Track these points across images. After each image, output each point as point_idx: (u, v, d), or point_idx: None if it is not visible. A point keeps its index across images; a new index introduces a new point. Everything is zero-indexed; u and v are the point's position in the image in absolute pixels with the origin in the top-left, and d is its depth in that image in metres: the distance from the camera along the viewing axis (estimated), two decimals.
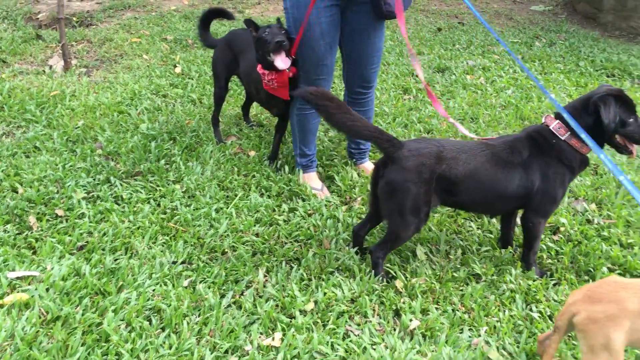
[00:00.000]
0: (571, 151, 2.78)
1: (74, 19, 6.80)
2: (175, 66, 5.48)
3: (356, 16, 3.33)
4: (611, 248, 3.14)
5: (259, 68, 3.45)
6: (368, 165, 3.88)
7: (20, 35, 6.03)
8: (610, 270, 3.00)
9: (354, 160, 3.93)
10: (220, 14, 4.27)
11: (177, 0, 8.21)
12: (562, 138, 2.77)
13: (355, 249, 3.04)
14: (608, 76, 5.93)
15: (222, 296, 2.72)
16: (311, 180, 3.68)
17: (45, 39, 6.00)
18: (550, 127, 2.80)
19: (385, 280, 2.87)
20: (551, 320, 2.67)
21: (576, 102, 2.84)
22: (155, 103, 4.64)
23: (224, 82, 4.06)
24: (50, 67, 5.27)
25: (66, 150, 3.81)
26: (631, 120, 2.75)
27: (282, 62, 3.30)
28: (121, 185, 3.50)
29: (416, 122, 4.57)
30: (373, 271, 2.89)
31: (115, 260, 2.90)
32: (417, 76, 5.63)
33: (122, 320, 2.51)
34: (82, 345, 2.36)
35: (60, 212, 3.20)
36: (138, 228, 3.13)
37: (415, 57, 3.28)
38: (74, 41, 6.08)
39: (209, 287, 2.75)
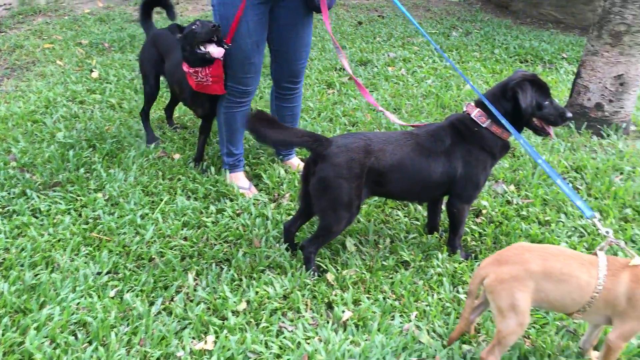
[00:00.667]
0: (492, 138, 2.88)
1: None
2: (91, 71, 5.30)
3: (285, 12, 3.32)
4: (530, 226, 3.29)
5: (186, 67, 3.39)
6: (295, 161, 3.89)
7: None
8: None
9: (281, 157, 3.93)
10: (159, 2, 4.14)
11: (92, 3, 7.93)
12: (483, 125, 2.86)
13: (286, 245, 3.04)
14: (521, 62, 6.18)
15: (151, 304, 2.66)
16: (238, 179, 3.65)
17: None
18: (472, 115, 2.88)
19: (316, 274, 2.89)
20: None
21: (494, 89, 2.94)
22: (71, 110, 4.47)
23: (153, 81, 3.99)
24: None
25: None
26: (547, 103, 2.88)
27: (215, 49, 3.25)
28: (38, 197, 3.35)
29: (341, 115, 4.62)
30: (304, 266, 2.90)
31: (36, 275, 2.78)
32: (342, 69, 5.69)
33: (45, 337, 2.41)
34: None
35: None
36: (59, 240, 3.01)
37: (341, 51, 3.31)
38: None
39: (137, 296, 2.69)
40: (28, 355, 2.32)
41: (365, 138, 2.83)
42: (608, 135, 4.37)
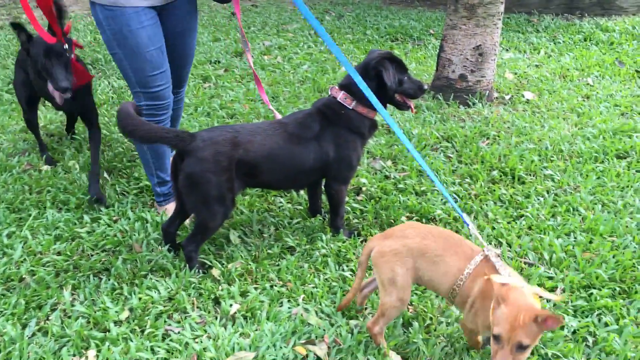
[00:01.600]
0: (359, 118, 2.95)
1: None
2: None
3: (173, 18, 3.06)
4: (408, 198, 3.41)
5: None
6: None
7: None
8: (409, 218, 3.26)
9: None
10: None
11: None
12: (350, 107, 2.92)
13: (167, 246, 2.97)
14: (392, 40, 6.39)
15: (24, 326, 2.50)
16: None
17: None
18: (337, 99, 2.93)
19: (201, 271, 2.84)
20: None
21: (357, 70, 3.00)
22: None
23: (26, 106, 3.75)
24: None
25: None
26: (405, 78, 2.99)
27: (59, 98, 3.17)
28: None
29: (218, 108, 4.55)
30: (187, 265, 2.84)
31: None
32: (217, 62, 5.60)
33: None
34: None
35: None
36: None
37: (248, 45, 3.20)
38: None
39: (8, 320, 2.51)
40: None
41: (232, 130, 2.80)
42: (474, 104, 4.63)
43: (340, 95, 2.93)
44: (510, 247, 3.00)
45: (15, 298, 2.62)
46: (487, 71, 4.63)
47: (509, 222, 3.19)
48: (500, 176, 3.63)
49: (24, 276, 2.79)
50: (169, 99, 3.13)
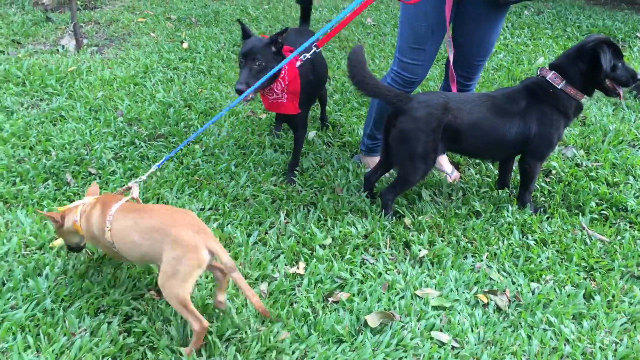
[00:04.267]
0: (567, 98, 3.06)
1: (79, 2, 7.01)
2: (182, 42, 5.72)
3: (471, 5, 3.11)
4: (599, 187, 3.44)
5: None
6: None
7: (30, 18, 6.23)
8: (598, 205, 3.30)
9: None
10: None
11: None
12: (559, 87, 3.04)
13: (366, 193, 3.33)
14: None
15: (249, 235, 3.00)
16: (373, 164, 3.52)
17: (54, 21, 6.22)
18: (547, 78, 3.07)
19: (394, 218, 3.17)
20: (545, 246, 2.98)
21: (570, 51, 3.08)
22: (167, 75, 4.89)
23: None
24: (63, 46, 5.49)
25: (90, 118, 4.07)
26: (620, 64, 3.04)
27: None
28: (146, 146, 3.76)
29: None
30: (383, 211, 3.17)
31: None
32: None
33: None
34: (128, 277, 2.64)
35: (92, 170, 3.47)
36: (166, 182, 3.40)
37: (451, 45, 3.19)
38: (82, 22, 6.30)
39: (237, 228, 3.04)
40: None
41: (444, 97, 3.07)
42: None
43: (550, 75, 3.06)
44: None
45: (242, 213, 3.15)
46: None
47: None
48: None
49: (247, 197, 3.32)
50: (417, 77, 3.26)
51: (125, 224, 2.32)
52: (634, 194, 3.40)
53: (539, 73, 3.13)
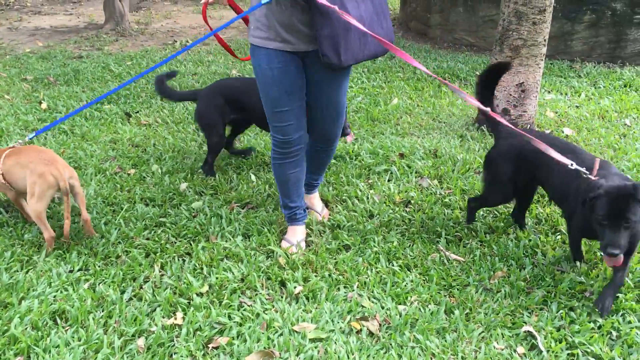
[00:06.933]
0: None
1: None
2: (40, 103, 5.54)
3: (315, 67, 3.12)
4: (452, 211, 3.78)
5: None
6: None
7: None
8: (452, 228, 3.63)
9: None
10: None
11: (31, 43, 8.13)
12: None
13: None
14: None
15: (122, 292, 2.96)
16: (295, 233, 3.52)
17: None
18: None
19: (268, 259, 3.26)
20: (409, 270, 3.22)
21: None
22: (25, 137, 4.70)
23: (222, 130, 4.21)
24: None
25: None
26: None
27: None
28: (5, 212, 3.59)
29: None
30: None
31: (11, 277, 3.04)
32: None
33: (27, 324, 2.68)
34: None
35: None
36: (32, 245, 3.26)
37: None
38: None
39: (109, 286, 2.98)
40: (14, 339, 2.58)
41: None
42: None
43: None
44: (544, 256, 3.32)
45: (114, 270, 3.10)
46: (529, 107, 5.02)
47: (545, 236, 3.52)
48: (538, 198, 3.98)
49: (119, 254, 3.27)
50: (290, 136, 3.23)
51: (11, 164, 3.32)
52: (482, 214, 3.77)
53: None
